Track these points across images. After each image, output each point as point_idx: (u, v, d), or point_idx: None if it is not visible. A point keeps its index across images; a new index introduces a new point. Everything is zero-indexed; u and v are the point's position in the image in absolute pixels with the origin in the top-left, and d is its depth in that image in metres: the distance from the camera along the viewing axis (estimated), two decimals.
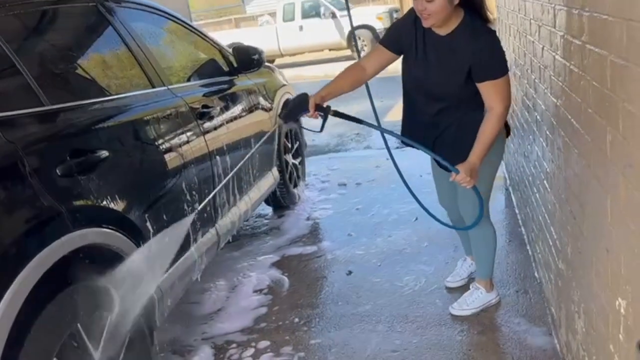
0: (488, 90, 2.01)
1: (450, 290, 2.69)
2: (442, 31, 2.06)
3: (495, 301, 2.51)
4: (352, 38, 13.54)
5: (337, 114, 2.22)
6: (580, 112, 1.48)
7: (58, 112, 1.87)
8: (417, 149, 2.16)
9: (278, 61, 14.07)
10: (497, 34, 4.39)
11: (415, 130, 2.24)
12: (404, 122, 2.33)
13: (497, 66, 2.01)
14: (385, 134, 2.36)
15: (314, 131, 2.38)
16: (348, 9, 3.64)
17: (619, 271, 1.21)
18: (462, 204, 2.38)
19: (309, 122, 2.36)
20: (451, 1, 1.94)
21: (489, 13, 2.07)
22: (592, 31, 1.32)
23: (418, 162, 4.33)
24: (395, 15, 14.23)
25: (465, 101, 2.10)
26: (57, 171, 1.69)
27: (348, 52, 14.29)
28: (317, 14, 14.26)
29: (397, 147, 5.42)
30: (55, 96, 1.87)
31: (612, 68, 1.16)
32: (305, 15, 14.45)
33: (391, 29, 2.31)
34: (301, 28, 14.34)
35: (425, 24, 2.01)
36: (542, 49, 2.09)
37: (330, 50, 14.74)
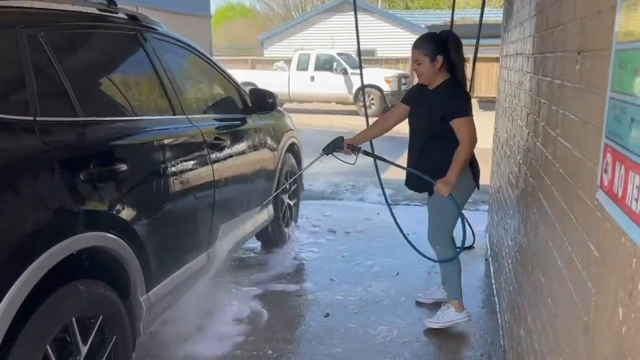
0: (458, 126, 2.71)
1: (419, 304, 3.27)
2: (431, 87, 2.85)
3: (464, 321, 2.96)
4: (359, 95, 14.18)
5: (366, 153, 3.11)
6: (550, 194, 1.69)
7: (89, 124, 2.07)
8: (412, 173, 2.89)
9: (287, 105, 14.56)
10: (495, 114, 4.70)
11: (412, 160, 2.93)
12: (408, 155, 3.00)
13: (462, 109, 2.73)
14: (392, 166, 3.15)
15: (349, 163, 3.17)
16: (361, 68, 4.47)
17: (564, 335, 1.38)
18: (431, 235, 2.99)
19: (345, 157, 3.18)
20: (434, 65, 2.75)
21: (466, 81, 2.88)
22: (563, 127, 1.54)
23: (409, 221, 4.51)
24: (403, 81, 14.97)
25: (439, 138, 2.77)
26: (81, 176, 1.87)
27: (353, 108, 14.83)
28: (330, 69, 15.10)
29: (391, 204, 5.64)
30: (88, 109, 2.07)
31: (574, 160, 1.38)
32: (319, 67, 15.30)
33: (408, 91, 3.16)
34: (313, 79, 15.14)
35: (420, 80, 2.87)
36: (528, 134, 2.33)
37: (337, 103, 15.39)
